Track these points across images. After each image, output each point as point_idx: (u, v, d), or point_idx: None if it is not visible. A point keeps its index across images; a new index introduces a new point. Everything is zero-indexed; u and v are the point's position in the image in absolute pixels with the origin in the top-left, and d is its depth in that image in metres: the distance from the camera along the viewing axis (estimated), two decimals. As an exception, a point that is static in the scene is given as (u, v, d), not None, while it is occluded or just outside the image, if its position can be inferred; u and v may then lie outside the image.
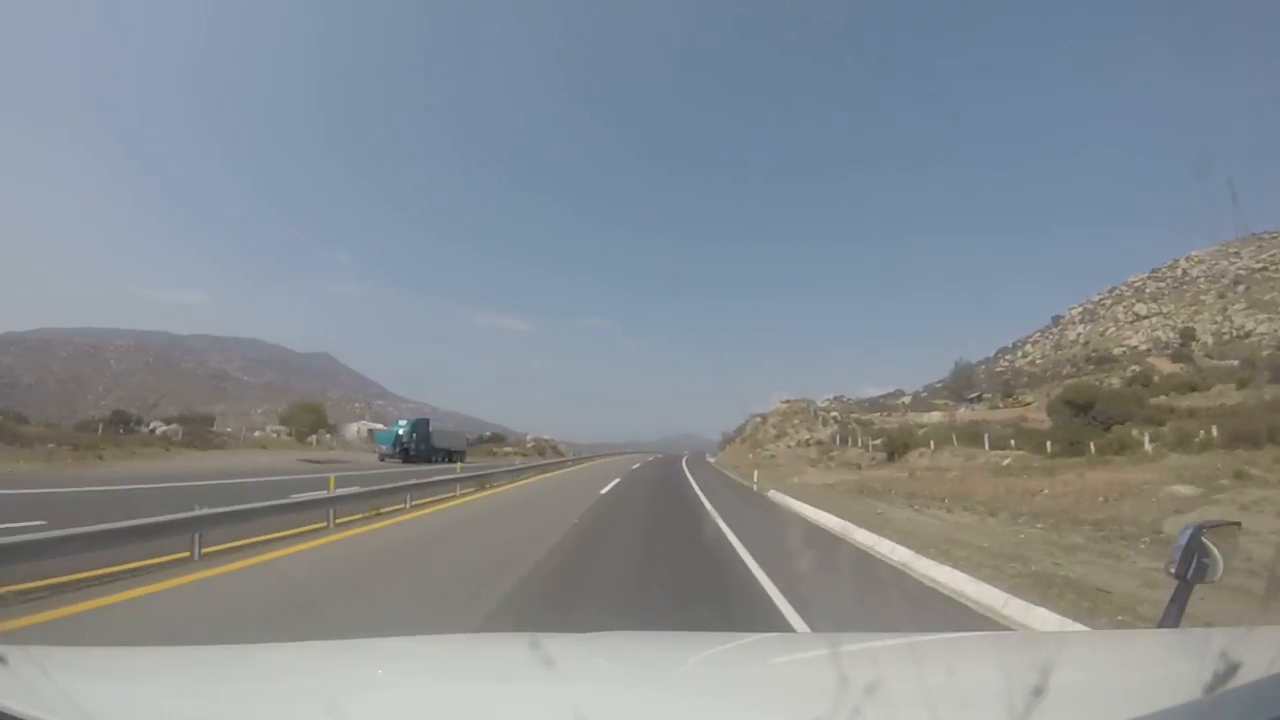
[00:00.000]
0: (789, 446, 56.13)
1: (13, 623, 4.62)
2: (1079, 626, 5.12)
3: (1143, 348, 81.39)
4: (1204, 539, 1.51)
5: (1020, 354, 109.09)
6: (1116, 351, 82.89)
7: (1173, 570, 1.50)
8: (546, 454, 68.93)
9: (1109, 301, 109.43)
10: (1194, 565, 1.49)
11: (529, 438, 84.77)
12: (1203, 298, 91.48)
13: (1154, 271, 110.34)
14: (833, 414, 70.96)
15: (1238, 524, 1.73)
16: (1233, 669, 0.79)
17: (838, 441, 52.50)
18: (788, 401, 71.04)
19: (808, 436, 58.52)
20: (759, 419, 74.39)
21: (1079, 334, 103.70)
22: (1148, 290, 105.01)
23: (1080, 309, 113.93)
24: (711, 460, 59.87)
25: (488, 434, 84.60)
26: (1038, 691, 0.80)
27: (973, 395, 76.21)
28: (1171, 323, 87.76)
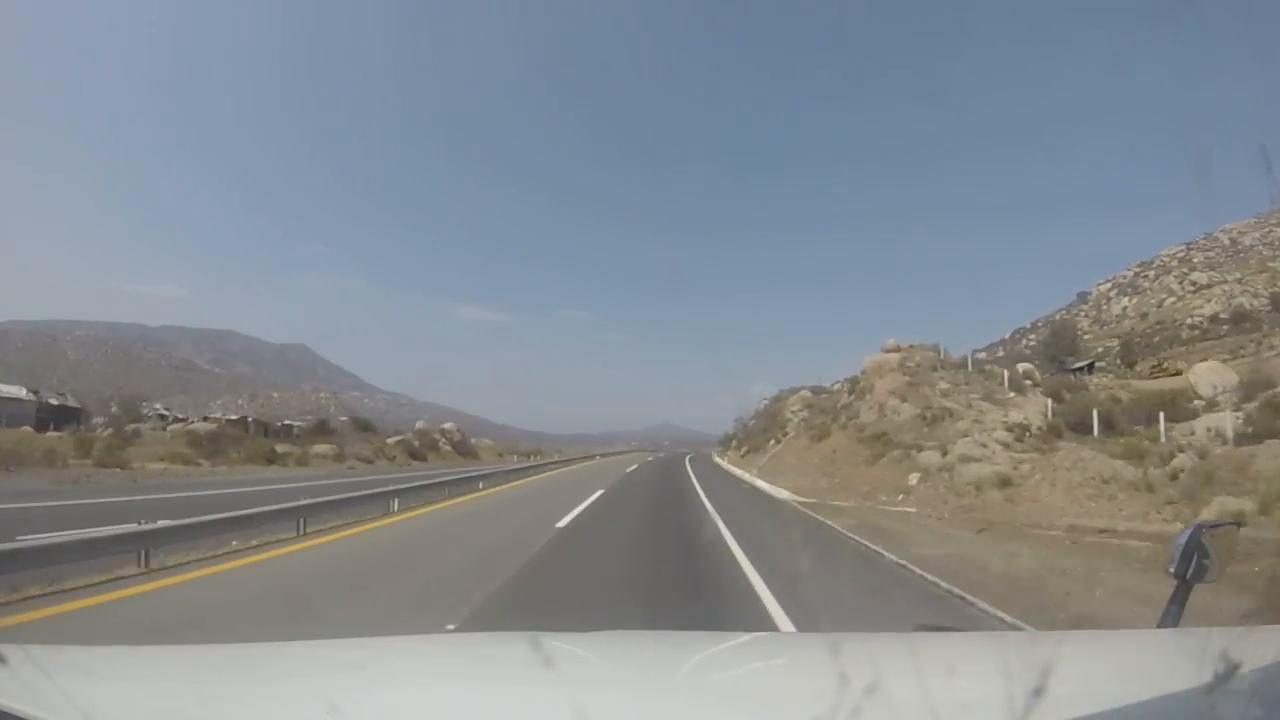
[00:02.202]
0: (1002, 444, 20.29)
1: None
2: None
3: (1223, 315, 79.18)
4: (1203, 540, 1.52)
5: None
6: (1189, 320, 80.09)
7: (1172, 570, 1.51)
8: (430, 457, 47.27)
9: (1152, 273, 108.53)
10: (1193, 565, 1.49)
11: (417, 424, 59.29)
12: (1271, 264, 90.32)
13: (1190, 244, 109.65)
14: (1025, 370, 34.01)
15: (1237, 525, 1.74)
16: (1233, 669, 0.79)
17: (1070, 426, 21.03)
18: (900, 349, 32.76)
19: (1015, 417, 23.70)
20: (806, 396, 46.27)
21: (1124, 306, 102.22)
22: (1195, 261, 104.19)
23: (1110, 284, 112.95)
24: (771, 489, 24.80)
25: (343, 418, 53.39)
26: (1038, 691, 0.80)
27: (1081, 364, 48.52)
28: (1250, 288, 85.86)
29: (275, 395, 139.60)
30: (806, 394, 47.26)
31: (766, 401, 58.92)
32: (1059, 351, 54.14)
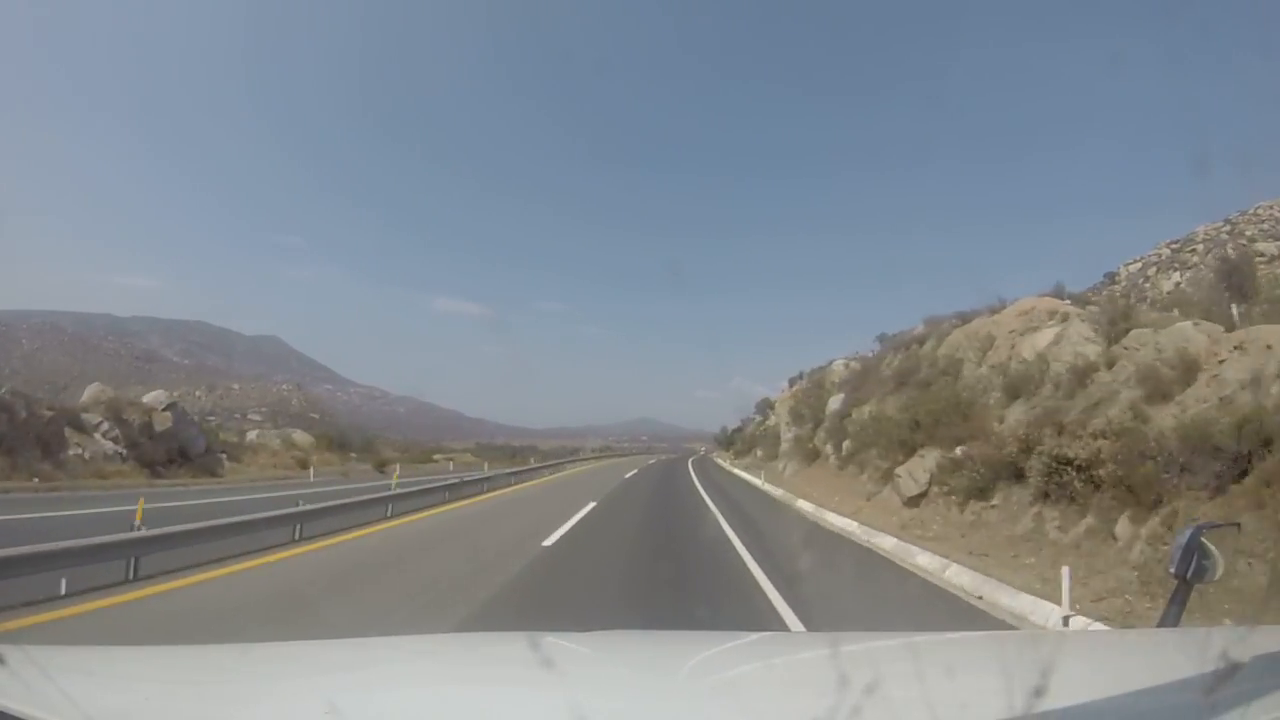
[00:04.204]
0: None
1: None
2: None
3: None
4: (1204, 539, 1.52)
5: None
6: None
7: (1173, 570, 1.51)
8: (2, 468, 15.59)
9: (1200, 247, 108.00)
10: (1194, 565, 1.49)
11: (87, 391, 22.64)
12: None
13: (1231, 220, 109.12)
14: None
15: (1238, 525, 1.73)
16: (1233, 669, 0.79)
17: None
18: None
19: None
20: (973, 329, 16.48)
21: (1177, 282, 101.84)
22: (1249, 234, 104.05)
23: (1140, 263, 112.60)
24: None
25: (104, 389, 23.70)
26: (1038, 691, 0.80)
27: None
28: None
29: (235, 387, 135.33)
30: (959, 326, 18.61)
31: (823, 367, 34.61)
32: (1231, 295, 41.02)
